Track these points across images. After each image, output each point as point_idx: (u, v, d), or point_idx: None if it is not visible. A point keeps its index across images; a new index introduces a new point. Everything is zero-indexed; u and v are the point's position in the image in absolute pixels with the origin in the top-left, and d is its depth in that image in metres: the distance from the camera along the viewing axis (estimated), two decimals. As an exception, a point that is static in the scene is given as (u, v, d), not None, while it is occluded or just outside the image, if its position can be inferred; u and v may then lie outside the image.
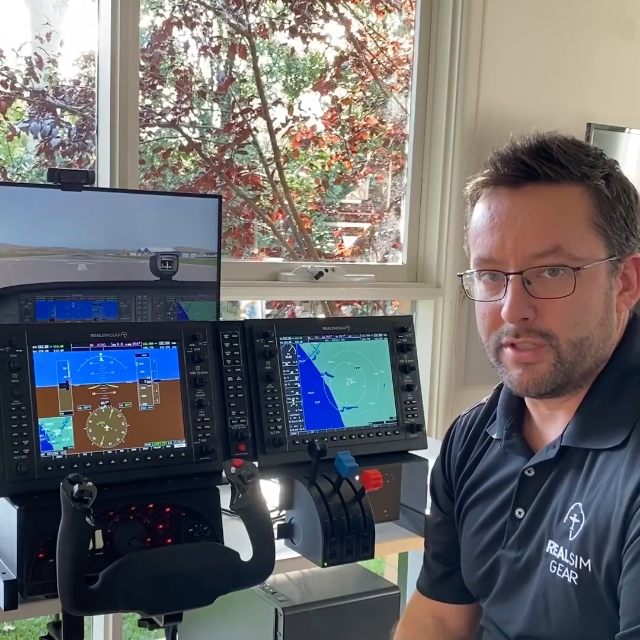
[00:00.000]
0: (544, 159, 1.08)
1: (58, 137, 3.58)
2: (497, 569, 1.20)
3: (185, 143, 3.83)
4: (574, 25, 2.98)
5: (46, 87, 3.63)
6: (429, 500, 1.41)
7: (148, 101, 3.74)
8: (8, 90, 3.50)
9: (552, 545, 1.10)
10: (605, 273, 1.09)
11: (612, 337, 1.12)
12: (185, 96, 3.79)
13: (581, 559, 1.06)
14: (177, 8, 3.69)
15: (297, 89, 4.16)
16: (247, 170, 3.84)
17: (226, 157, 3.81)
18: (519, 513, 1.17)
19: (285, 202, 3.93)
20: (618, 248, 1.10)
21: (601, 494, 1.05)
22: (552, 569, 1.09)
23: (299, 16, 3.77)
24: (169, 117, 3.78)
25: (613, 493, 1.04)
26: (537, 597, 1.12)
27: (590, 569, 1.05)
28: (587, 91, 3.02)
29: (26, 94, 3.60)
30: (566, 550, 1.08)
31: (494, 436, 1.25)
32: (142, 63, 3.52)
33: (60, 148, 3.62)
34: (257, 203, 3.93)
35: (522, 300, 1.08)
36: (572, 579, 1.06)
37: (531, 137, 1.11)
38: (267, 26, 3.75)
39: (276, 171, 3.86)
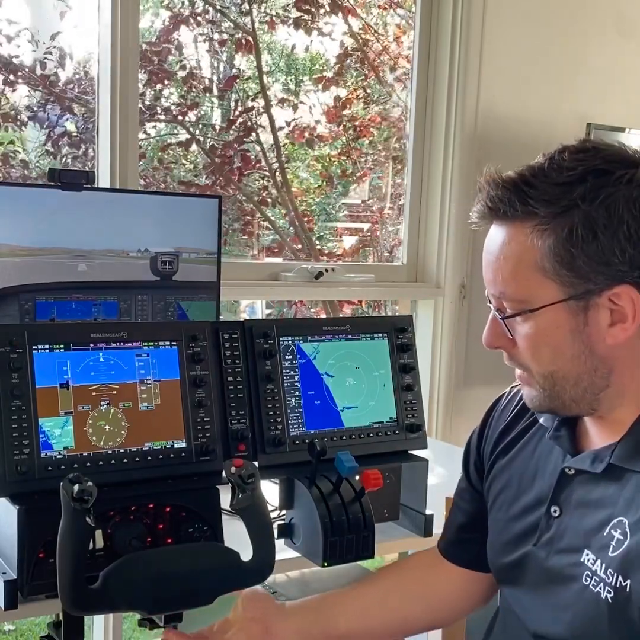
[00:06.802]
0: (503, 195, 1.04)
1: (63, 127, 3.54)
2: (526, 564, 1.17)
3: (183, 140, 3.82)
4: (573, 25, 2.98)
5: (55, 67, 3.57)
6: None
7: (150, 92, 3.71)
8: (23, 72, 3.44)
9: (588, 555, 1.07)
10: (564, 313, 1.03)
11: (615, 366, 1.06)
12: (190, 92, 3.78)
13: (620, 577, 1.02)
14: (184, 4, 3.68)
15: (297, 90, 4.16)
16: (253, 167, 3.83)
17: (227, 155, 3.81)
18: (555, 511, 1.13)
19: (288, 201, 3.93)
20: (583, 286, 1.02)
21: None
22: (586, 580, 1.06)
23: (301, 14, 3.77)
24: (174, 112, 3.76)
25: None
26: (567, 606, 1.09)
27: (628, 589, 1.01)
28: (587, 91, 3.02)
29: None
30: (604, 565, 1.04)
31: (542, 421, 1.20)
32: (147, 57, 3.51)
33: (67, 139, 3.59)
34: (260, 199, 3.92)
35: (494, 328, 1.11)
36: (607, 596, 1.03)
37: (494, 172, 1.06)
38: (273, 17, 3.75)
39: (278, 170, 3.86)
